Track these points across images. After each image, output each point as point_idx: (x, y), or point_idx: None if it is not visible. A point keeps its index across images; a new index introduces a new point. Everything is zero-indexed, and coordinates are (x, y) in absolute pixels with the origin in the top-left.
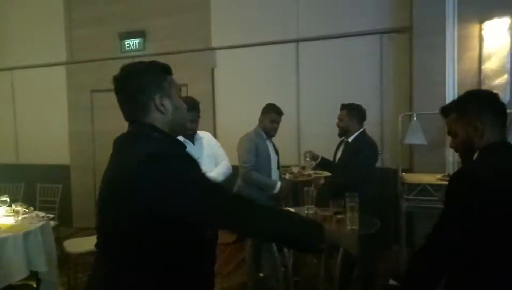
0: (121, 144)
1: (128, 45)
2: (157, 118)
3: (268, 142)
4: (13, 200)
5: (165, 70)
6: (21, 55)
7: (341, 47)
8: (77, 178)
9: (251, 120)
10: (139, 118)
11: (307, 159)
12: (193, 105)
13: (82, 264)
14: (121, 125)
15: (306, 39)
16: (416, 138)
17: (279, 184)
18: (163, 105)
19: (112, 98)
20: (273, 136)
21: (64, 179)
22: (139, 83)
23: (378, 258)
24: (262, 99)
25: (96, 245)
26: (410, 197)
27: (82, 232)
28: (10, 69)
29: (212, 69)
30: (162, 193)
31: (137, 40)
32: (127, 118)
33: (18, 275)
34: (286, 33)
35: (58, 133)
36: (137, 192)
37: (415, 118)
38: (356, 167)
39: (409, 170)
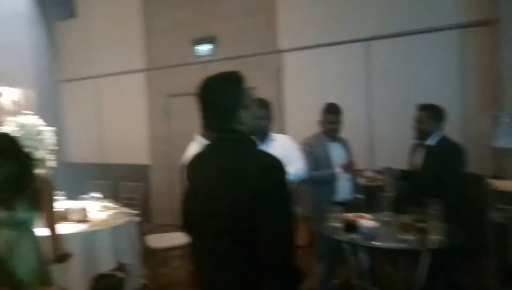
0: (220, 149)
1: (200, 51)
2: (240, 126)
3: (331, 144)
4: (102, 197)
5: (242, 79)
6: (105, 64)
7: (415, 44)
8: (156, 177)
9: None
10: (226, 127)
11: (386, 177)
12: (262, 103)
13: (164, 258)
14: (194, 128)
15: (377, 37)
16: (509, 140)
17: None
18: (244, 115)
19: (185, 102)
20: (334, 136)
21: (145, 178)
22: (222, 97)
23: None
24: (331, 101)
25: (205, 245)
26: (503, 206)
27: (161, 228)
28: (95, 77)
29: (280, 72)
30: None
31: (208, 46)
32: (211, 126)
33: (107, 265)
34: (356, 32)
35: (139, 135)
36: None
37: (507, 119)
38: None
39: (497, 176)
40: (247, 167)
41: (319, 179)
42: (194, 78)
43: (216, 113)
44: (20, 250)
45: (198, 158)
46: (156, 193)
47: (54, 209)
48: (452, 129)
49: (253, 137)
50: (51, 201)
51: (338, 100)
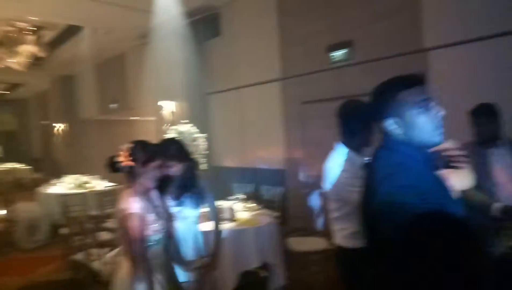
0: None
1: (335, 57)
2: (396, 134)
3: (487, 151)
4: (245, 199)
5: (403, 85)
6: (245, 76)
7: None
8: (291, 183)
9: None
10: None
11: None
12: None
13: (304, 262)
14: (327, 133)
15: None
16: None
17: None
18: (396, 124)
19: (320, 108)
20: (491, 143)
21: (282, 182)
22: (376, 107)
23: None
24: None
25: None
26: None
27: (297, 232)
28: (237, 88)
29: (425, 72)
30: None
31: (343, 51)
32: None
33: (253, 263)
34: None
35: (276, 141)
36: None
37: None
38: None
39: None
40: None
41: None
42: (329, 84)
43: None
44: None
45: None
46: (291, 198)
47: (215, 207)
48: None
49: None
50: (211, 199)
51: (494, 101)
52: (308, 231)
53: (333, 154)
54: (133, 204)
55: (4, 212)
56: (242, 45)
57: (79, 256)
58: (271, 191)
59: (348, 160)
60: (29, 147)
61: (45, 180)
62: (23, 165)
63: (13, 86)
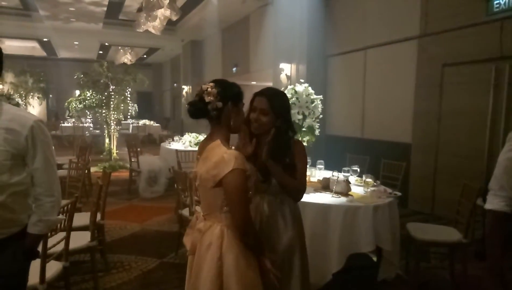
0: None
1: (497, 5)
2: None
3: None
4: (360, 172)
5: None
6: (375, 34)
7: None
8: (417, 159)
9: None
10: None
11: None
12: None
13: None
14: (473, 104)
15: None
16: None
17: None
18: None
19: (464, 73)
20: None
21: (406, 158)
22: None
23: None
24: None
25: None
26: None
27: (416, 215)
28: (364, 48)
29: None
30: None
31: None
32: None
33: (366, 247)
34: None
35: (403, 110)
36: None
37: None
38: None
39: None
40: None
41: None
42: (485, 41)
43: None
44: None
45: None
46: (416, 176)
47: (306, 173)
48: None
49: None
50: (305, 163)
51: None
52: (432, 216)
53: None
54: (235, 159)
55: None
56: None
57: (185, 211)
58: (392, 166)
59: None
60: (161, 107)
61: (171, 137)
62: (154, 122)
63: (150, 51)
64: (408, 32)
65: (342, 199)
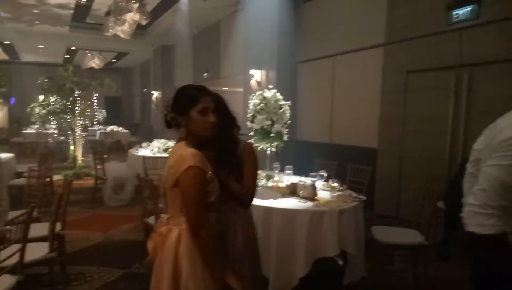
0: None
1: (456, 16)
2: None
3: None
4: (327, 177)
5: None
6: (343, 42)
7: None
8: (383, 163)
9: None
10: None
11: None
12: None
13: (388, 255)
14: (435, 110)
15: None
16: None
17: None
18: None
19: (427, 79)
20: None
21: (372, 162)
22: None
23: None
24: None
25: None
26: None
27: (382, 219)
28: (332, 55)
29: None
30: None
31: (468, 8)
32: None
33: (331, 251)
34: None
35: (370, 116)
36: None
37: None
38: None
39: None
40: None
41: None
42: (445, 50)
43: None
44: None
45: None
46: (381, 180)
47: (256, 178)
48: None
49: None
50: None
51: None
52: (396, 219)
53: None
54: (192, 157)
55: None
56: (343, 6)
57: (151, 220)
58: (359, 171)
59: None
60: (130, 113)
61: (139, 143)
62: (123, 128)
63: (120, 55)
64: (374, 40)
65: (308, 204)
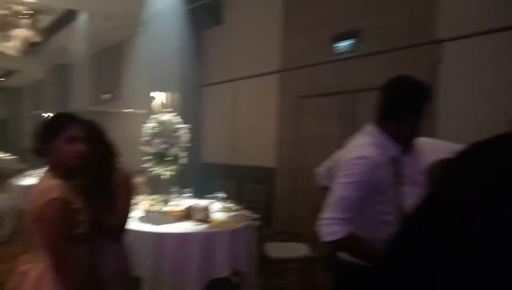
0: None
1: (339, 48)
2: None
3: None
4: (227, 197)
5: None
6: (242, 67)
7: None
8: (282, 182)
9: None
10: None
11: None
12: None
13: (280, 269)
14: (323, 132)
15: None
16: None
17: None
18: None
19: (318, 103)
20: None
21: (270, 181)
22: None
23: None
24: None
25: None
26: None
27: (280, 235)
28: (233, 80)
29: (436, 65)
30: None
31: (348, 42)
32: None
33: (223, 271)
34: None
35: (268, 137)
36: None
37: None
38: None
39: None
40: None
41: None
42: (332, 77)
43: None
44: None
45: None
46: (280, 198)
47: (128, 208)
48: None
49: None
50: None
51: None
52: (294, 235)
53: None
54: (55, 189)
55: None
56: (243, 34)
57: None
58: (256, 190)
59: None
60: (19, 137)
61: (27, 170)
62: (9, 154)
63: (8, 73)
64: (270, 66)
65: (201, 226)
